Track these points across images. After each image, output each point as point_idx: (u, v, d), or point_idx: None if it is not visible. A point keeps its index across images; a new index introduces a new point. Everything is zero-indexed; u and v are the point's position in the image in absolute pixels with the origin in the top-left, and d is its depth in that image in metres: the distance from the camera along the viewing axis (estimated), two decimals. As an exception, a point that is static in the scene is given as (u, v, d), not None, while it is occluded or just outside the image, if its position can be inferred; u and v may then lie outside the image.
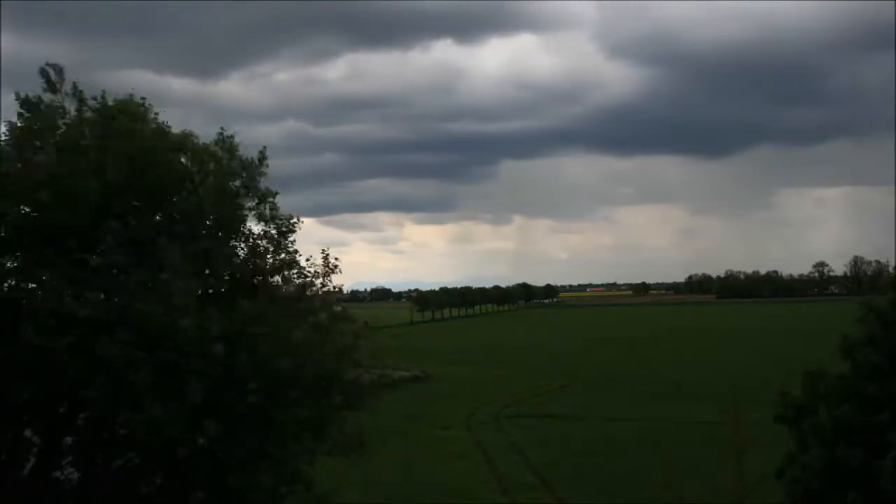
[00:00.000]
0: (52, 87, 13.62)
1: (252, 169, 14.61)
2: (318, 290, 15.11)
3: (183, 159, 14.04)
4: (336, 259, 15.31)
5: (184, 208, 13.62)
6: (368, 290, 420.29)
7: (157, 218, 13.43)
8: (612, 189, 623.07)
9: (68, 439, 14.09)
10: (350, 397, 14.79)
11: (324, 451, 15.19)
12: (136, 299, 12.10)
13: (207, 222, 13.88)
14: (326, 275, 15.19)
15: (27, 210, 12.83)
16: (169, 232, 13.06)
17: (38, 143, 13.35)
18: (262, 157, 14.80)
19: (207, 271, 13.79)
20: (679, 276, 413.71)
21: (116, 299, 12.58)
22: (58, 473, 13.99)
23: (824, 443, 18.49)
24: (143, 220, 13.07)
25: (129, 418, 11.88)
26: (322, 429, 14.65)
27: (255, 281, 14.45)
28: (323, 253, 15.21)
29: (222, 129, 14.60)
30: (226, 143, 14.59)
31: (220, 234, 14.28)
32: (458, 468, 41.55)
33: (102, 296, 12.85)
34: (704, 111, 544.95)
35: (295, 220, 14.97)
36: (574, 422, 54.00)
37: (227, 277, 14.22)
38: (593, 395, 65.58)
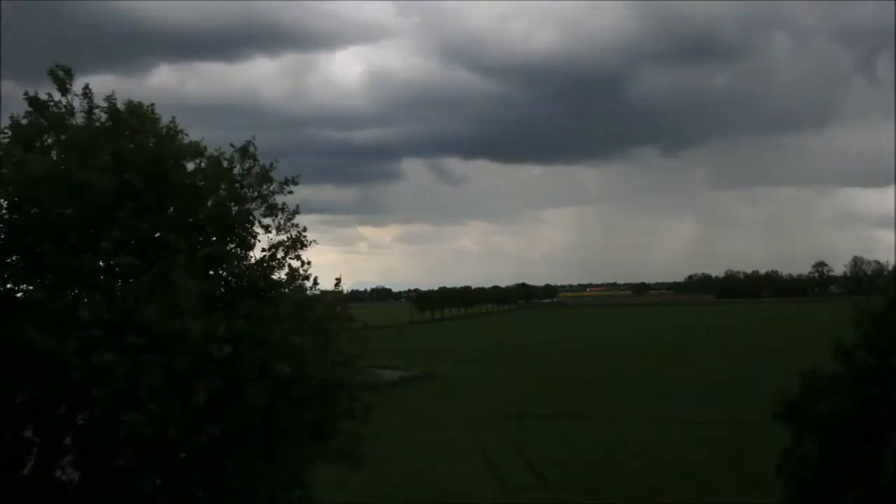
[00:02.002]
0: (62, 87, 13.71)
1: (261, 176, 14.67)
2: (321, 296, 15.20)
3: (193, 165, 14.12)
4: (309, 276, 15.36)
5: (193, 212, 13.66)
6: (368, 289, 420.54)
7: (166, 220, 13.41)
8: (529, 193, 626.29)
9: (68, 439, 14.14)
10: (352, 406, 14.86)
11: (324, 457, 15.25)
12: (142, 302, 12.13)
13: (213, 227, 13.90)
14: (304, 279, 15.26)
15: (28, 208, 12.81)
16: (177, 233, 13.11)
17: (45, 140, 13.41)
18: (271, 166, 14.87)
19: (214, 272, 13.86)
20: (679, 276, 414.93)
21: (122, 301, 12.60)
22: (58, 473, 14.04)
23: (821, 433, 18.57)
24: (152, 220, 13.10)
25: (130, 417, 11.90)
26: (325, 434, 14.71)
27: (262, 285, 14.50)
28: (301, 262, 15.25)
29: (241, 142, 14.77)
30: (247, 151, 14.66)
31: (228, 238, 14.34)
32: (458, 468, 41.57)
33: (100, 296, 12.86)
34: (555, 120, 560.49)
35: (304, 231, 15.04)
36: (574, 421, 54.01)
37: (232, 280, 14.28)
38: (593, 395, 65.58)
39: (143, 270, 12.57)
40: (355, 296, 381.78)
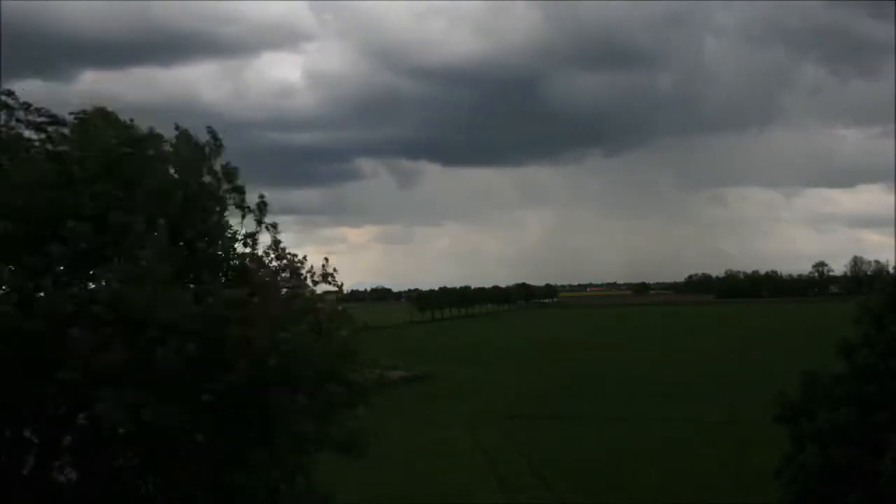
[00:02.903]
0: (9, 113, 13.68)
1: (207, 148, 14.65)
2: (310, 288, 15.19)
3: (150, 151, 14.08)
4: (334, 270, 15.46)
5: (153, 189, 13.56)
6: (368, 289, 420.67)
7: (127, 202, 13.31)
8: (487, 194, 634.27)
9: (67, 438, 14.13)
10: (350, 395, 14.84)
11: (323, 449, 15.24)
12: (105, 275, 12.11)
13: (186, 219, 13.82)
14: (324, 277, 15.31)
15: None
16: (142, 212, 13.06)
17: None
18: (215, 137, 14.82)
19: (184, 246, 13.84)
20: (678, 276, 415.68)
21: (88, 277, 12.57)
22: (57, 473, 14.02)
23: (821, 443, 18.55)
24: (115, 204, 13.01)
25: (101, 408, 11.81)
26: (321, 425, 14.69)
27: (234, 265, 14.48)
28: (325, 260, 15.41)
29: (177, 125, 14.75)
30: (181, 136, 14.65)
31: (194, 217, 14.30)
32: (459, 468, 41.59)
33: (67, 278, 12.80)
34: (494, 123, 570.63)
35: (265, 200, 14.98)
36: (574, 422, 54.03)
37: (201, 255, 14.22)
38: (593, 395, 65.61)
39: (105, 244, 12.51)
40: (355, 296, 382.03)
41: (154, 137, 14.36)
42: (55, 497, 13.76)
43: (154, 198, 13.38)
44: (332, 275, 15.39)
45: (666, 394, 64.24)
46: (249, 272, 14.45)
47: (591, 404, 60.61)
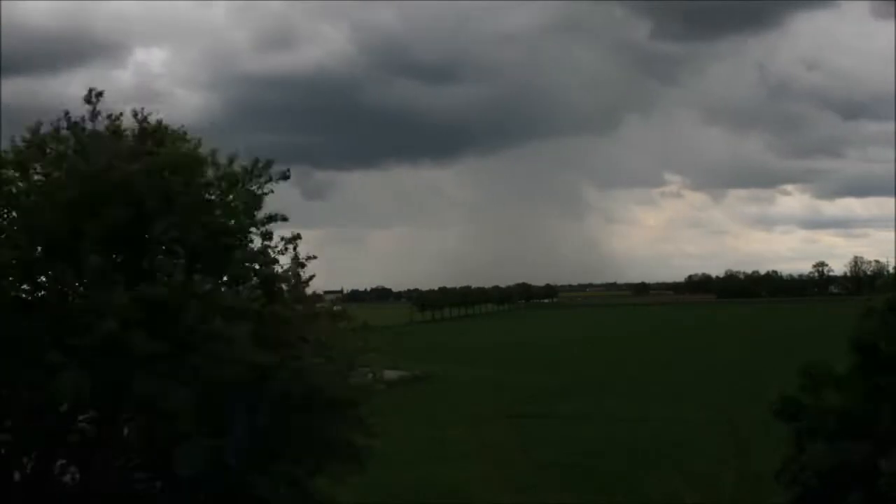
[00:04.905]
0: (93, 113, 13.87)
1: (256, 195, 14.79)
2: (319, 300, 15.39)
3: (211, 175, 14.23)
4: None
5: (206, 220, 13.72)
6: (368, 289, 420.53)
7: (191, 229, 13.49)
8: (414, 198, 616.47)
9: (69, 439, 14.14)
10: (360, 420, 15.03)
11: (329, 467, 15.43)
12: (183, 304, 12.25)
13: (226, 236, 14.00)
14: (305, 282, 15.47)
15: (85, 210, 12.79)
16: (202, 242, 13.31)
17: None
18: (265, 168, 14.92)
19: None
20: (679, 276, 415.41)
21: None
22: (58, 473, 14.03)
23: (823, 436, 18.55)
24: (188, 231, 13.21)
25: (186, 452, 11.98)
26: (331, 450, 14.88)
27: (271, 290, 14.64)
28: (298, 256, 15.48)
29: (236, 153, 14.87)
30: (251, 168, 14.79)
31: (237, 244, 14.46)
32: (460, 468, 41.53)
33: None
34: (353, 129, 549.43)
35: (297, 236, 15.17)
36: (574, 422, 53.99)
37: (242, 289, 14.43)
38: (594, 395, 65.57)
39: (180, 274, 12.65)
40: (355, 296, 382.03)
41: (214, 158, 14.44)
42: (57, 496, 13.78)
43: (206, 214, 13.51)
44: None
45: (666, 393, 64.20)
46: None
47: (591, 404, 60.54)
